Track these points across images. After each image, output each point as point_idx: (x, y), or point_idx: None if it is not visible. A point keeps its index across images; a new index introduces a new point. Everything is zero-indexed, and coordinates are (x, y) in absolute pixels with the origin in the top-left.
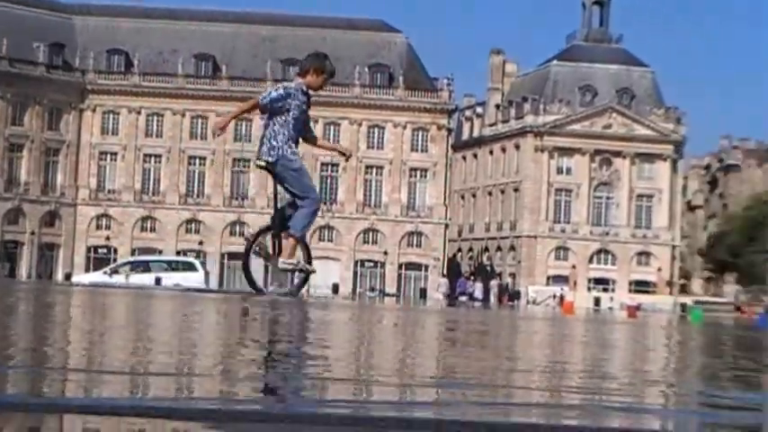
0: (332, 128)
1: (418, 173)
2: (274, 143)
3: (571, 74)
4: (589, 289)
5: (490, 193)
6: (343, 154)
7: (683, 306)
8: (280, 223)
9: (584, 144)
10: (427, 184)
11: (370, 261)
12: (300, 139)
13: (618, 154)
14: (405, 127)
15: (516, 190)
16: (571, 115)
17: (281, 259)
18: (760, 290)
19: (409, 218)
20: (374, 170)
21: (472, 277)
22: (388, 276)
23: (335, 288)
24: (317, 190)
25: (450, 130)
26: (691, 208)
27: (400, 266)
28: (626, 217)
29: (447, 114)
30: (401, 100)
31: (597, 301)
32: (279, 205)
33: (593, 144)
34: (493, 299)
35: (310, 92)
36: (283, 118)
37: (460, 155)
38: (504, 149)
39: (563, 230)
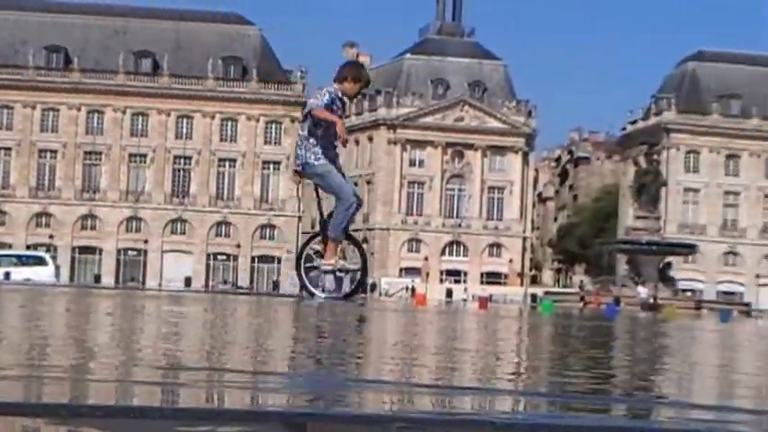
0: (185, 120)
1: (271, 165)
2: (299, 152)
3: (424, 67)
4: (441, 281)
5: None
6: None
7: (534, 297)
8: (324, 228)
9: (437, 137)
10: (280, 177)
11: (222, 254)
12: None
13: (470, 146)
14: (258, 119)
15: (369, 182)
16: (424, 108)
17: (322, 261)
18: (608, 280)
19: (262, 210)
20: (227, 163)
21: None
22: (241, 269)
23: (188, 281)
24: (346, 188)
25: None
26: (541, 200)
27: (253, 259)
28: (478, 209)
29: (300, 107)
30: (254, 92)
31: (450, 293)
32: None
33: (446, 137)
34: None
35: (345, 98)
36: (318, 127)
37: None
38: (357, 142)
39: (415, 222)
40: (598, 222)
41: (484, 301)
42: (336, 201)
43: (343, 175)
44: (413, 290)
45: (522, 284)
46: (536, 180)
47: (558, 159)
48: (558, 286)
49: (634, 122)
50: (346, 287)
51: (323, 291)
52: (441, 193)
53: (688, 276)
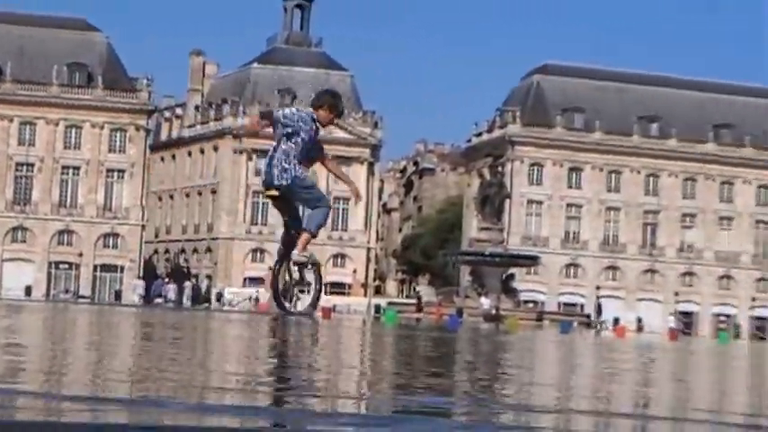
0: (28, 127)
1: (116, 173)
2: (286, 166)
3: (271, 76)
4: None
5: (188, 195)
6: (356, 195)
7: (378, 307)
8: (290, 248)
9: None
10: (124, 185)
11: (64, 263)
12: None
13: None
14: (103, 127)
15: (214, 192)
16: None
17: (294, 252)
18: (452, 291)
19: (105, 219)
20: (71, 170)
21: (167, 279)
22: (83, 278)
23: (28, 290)
24: (326, 197)
25: (148, 131)
26: (386, 210)
27: (96, 268)
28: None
29: (146, 115)
30: (100, 100)
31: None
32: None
33: None
34: (186, 300)
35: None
36: (293, 140)
37: (159, 156)
38: (202, 151)
39: (260, 232)
40: (442, 233)
41: (327, 312)
42: (315, 206)
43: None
44: (257, 299)
45: (365, 295)
46: (381, 191)
47: (403, 170)
48: (402, 297)
49: (479, 135)
50: (310, 304)
51: (294, 306)
52: None
53: (530, 288)
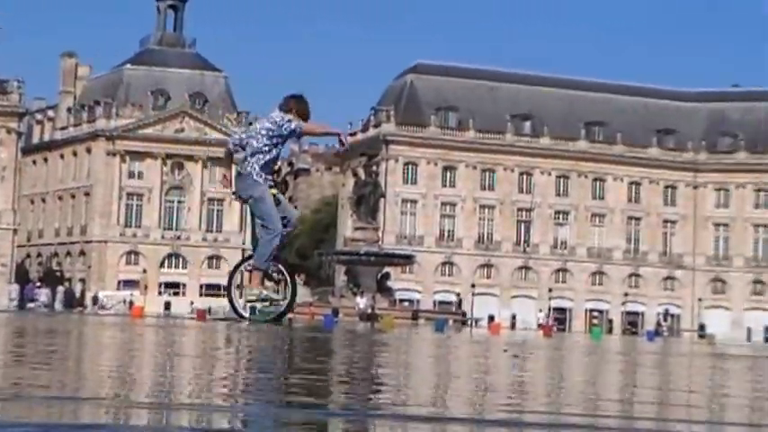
0: None
1: None
2: (249, 182)
3: (144, 78)
4: (160, 293)
5: (60, 198)
6: (340, 140)
7: (253, 309)
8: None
9: (157, 148)
10: None
11: None
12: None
13: (190, 158)
14: None
15: (87, 194)
16: (143, 119)
17: (246, 289)
18: (327, 291)
19: None
20: None
21: (39, 283)
22: None
23: None
24: (275, 218)
25: (20, 134)
26: None
27: None
28: (197, 221)
29: (17, 117)
30: None
31: (168, 305)
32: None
33: (166, 148)
34: (59, 304)
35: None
36: (254, 157)
37: (31, 159)
38: (75, 153)
39: (134, 235)
40: (317, 233)
41: (201, 314)
42: (262, 229)
43: (279, 201)
44: (131, 303)
45: (241, 296)
46: None
47: (278, 171)
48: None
49: (354, 134)
50: (281, 312)
51: (261, 313)
52: (160, 204)
53: (406, 286)
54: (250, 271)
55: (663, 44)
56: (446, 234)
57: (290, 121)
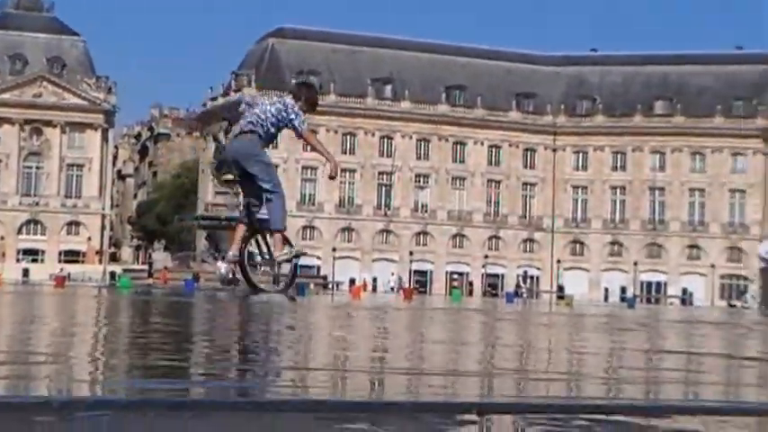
0: None
1: None
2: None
3: (1, 42)
4: (18, 260)
5: None
6: (334, 171)
7: (113, 274)
8: (252, 222)
9: (14, 114)
10: None
11: None
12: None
13: (48, 123)
14: None
15: None
16: (0, 84)
17: (276, 252)
18: (188, 256)
19: None
20: None
21: None
22: None
23: None
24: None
25: None
26: (121, 177)
27: None
28: (56, 187)
29: None
30: None
31: (26, 272)
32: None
33: (24, 113)
34: None
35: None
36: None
37: None
38: None
39: None
40: (178, 199)
41: (60, 280)
42: (271, 194)
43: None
44: None
45: (101, 262)
46: (116, 157)
47: (138, 136)
48: (138, 263)
49: (215, 99)
50: (286, 283)
51: (272, 285)
52: (18, 170)
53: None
54: (270, 234)
55: (523, 9)
56: (307, 198)
57: (297, 114)
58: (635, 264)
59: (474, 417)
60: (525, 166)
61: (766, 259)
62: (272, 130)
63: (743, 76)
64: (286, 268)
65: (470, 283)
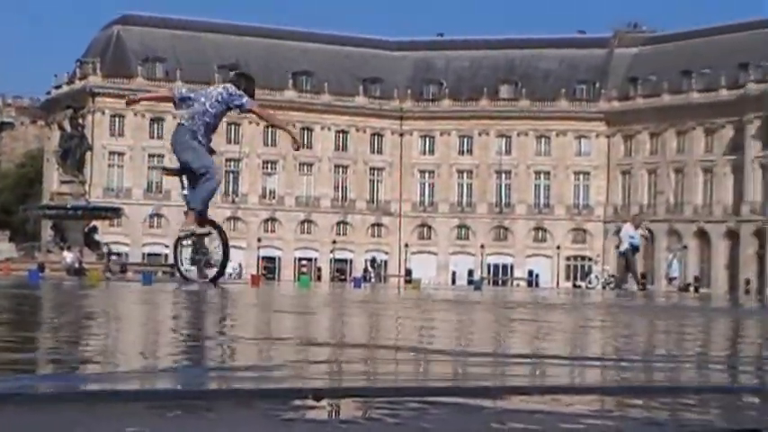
0: None
1: None
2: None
3: None
4: None
5: None
6: (296, 143)
7: None
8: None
9: None
10: None
11: None
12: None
13: None
14: None
15: None
16: None
17: (179, 227)
18: (33, 246)
19: None
20: None
21: None
22: None
23: None
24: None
25: None
26: None
27: None
28: None
29: None
30: None
31: None
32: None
33: None
34: None
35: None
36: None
37: None
38: None
39: None
40: (22, 188)
41: None
42: (201, 177)
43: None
44: None
45: None
46: None
47: None
48: None
49: (59, 87)
50: (215, 273)
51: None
52: None
53: (114, 240)
54: (185, 212)
55: None
56: (154, 186)
57: (241, 95)
58: (482, 247)
59: (311, 402)
60: (373, 151)
61: (632, 242)
62: (216, 116)
63: (586, 60)
64: (217, 257)
65: (319, 269)
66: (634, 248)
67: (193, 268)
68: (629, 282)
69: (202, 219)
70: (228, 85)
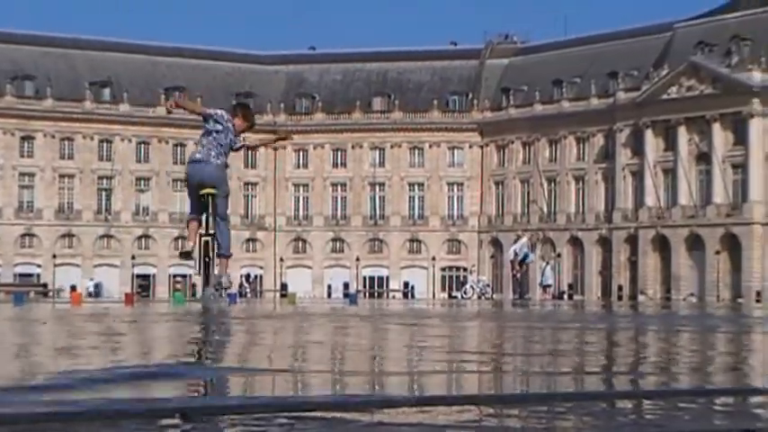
0: None
1: None
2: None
3: None
4: None
5: None
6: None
7: None
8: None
9: None
10: None
11: None
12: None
13: None
14: None
15: None
16: None
17: (222, 276)
18: None
19: None
20: None
21: None
22: None
23: None
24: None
25: None
26: None
27: None
28: None
29: None
30: None
31: None
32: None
33: None
34: None
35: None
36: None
37: None
38: None
39: None
40: None
41: None
42: (222, 222)
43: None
44: None
45: None
46: None
47: None
48: None
49: None
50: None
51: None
52: None
53: None
54: (221, 257)
55: (241, 10)
56: (25, 205)
57: (241, 140)
58: (357, 259)
59: (176, 421)
60: (246, 166)
61: (524, 256)
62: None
63: (458, 72)
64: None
65: (193, 285)
66: (525, 261)
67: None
68: (508, 291)
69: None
70: (230, 126)
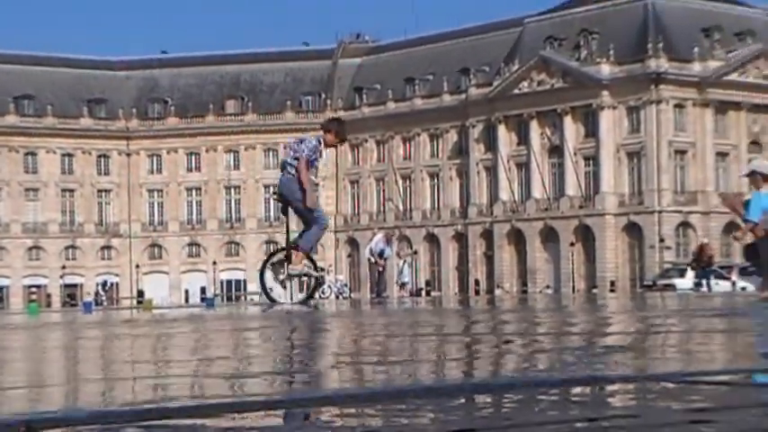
0: None
1: None
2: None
3: None
4: None
5: None
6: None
7: None
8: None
9: None
10: None
11: None
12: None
13: None
14: None
15: None
16: None
17: (289, 266)
18: None
19: None
20: None
21: None
22: None
23: None
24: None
25: None
26: None
27: None
28: None
29: None
30: None
31: None
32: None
33: None
34: None
35: (323, 146)
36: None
37: None
38: None
39: None
40: None
41: None
42: (313, 221)
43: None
44: None
45: None
46: None
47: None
48: None
49: None
50: (302, 294)
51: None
52: None
53: None
54: (296, 249)
55: (93, 14)
56: None
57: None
58: (214, 263)
59: None
60: (100, 173)
61: (380, 251)
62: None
63: (311, 72)
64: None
65: (48, 296)
66: (383, 257)
67: (282, 291)
68: (365, 290)
69: (308, 255)
70: (316, 142)
